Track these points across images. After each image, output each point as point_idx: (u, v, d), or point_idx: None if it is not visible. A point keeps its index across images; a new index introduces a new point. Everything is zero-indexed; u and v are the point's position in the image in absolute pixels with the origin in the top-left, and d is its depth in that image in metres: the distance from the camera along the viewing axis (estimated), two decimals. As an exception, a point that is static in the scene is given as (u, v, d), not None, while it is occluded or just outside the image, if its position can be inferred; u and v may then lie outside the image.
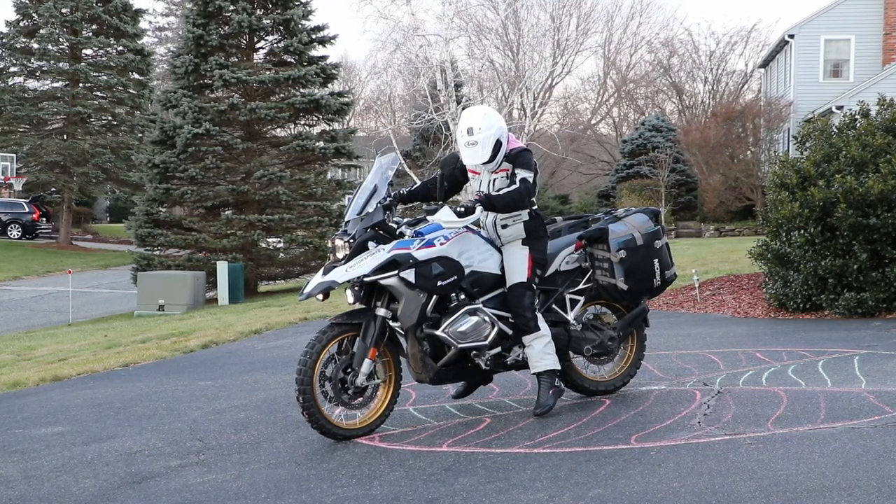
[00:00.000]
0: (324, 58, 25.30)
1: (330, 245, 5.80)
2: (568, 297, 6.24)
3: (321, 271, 5.69)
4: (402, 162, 29.10)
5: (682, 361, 7.84)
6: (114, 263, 35.87)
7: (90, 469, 5.49)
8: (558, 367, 6.00)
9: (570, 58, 44.24)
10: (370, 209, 5.72)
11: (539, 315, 5.95)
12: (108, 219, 56.56)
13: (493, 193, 5.84)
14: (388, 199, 5.83)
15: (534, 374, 6.01)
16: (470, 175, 6.12)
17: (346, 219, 5.79)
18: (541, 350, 5.92)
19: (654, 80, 48.14)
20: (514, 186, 5.81)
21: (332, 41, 25.49)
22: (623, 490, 4.44)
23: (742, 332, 9.63)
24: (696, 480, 4.50)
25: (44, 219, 43.35)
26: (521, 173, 5.83)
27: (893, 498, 4.12)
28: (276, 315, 14.14)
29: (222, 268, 20.95)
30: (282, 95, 24.60)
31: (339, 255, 5.70)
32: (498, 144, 5.82)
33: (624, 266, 6.11)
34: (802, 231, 10.39)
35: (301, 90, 24.62)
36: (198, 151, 23.34)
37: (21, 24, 40.69)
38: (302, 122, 25.35)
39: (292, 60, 24.87)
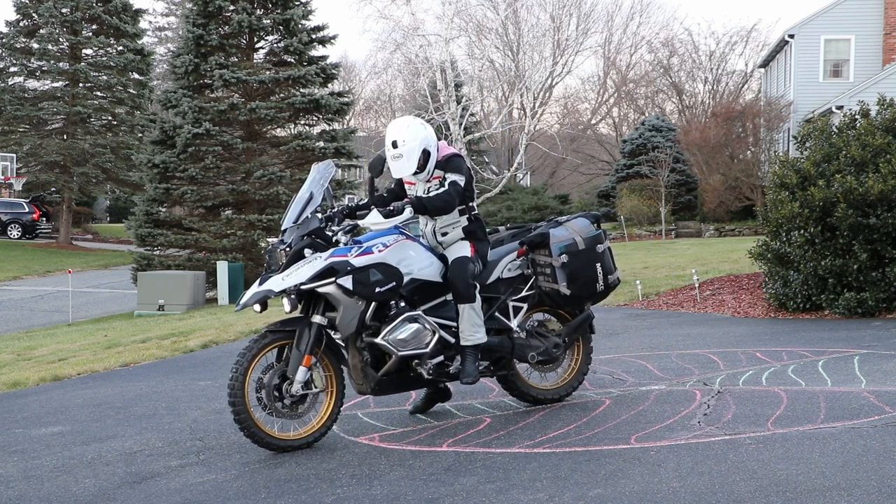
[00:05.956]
0: (324, 58, 25.30)
1: (266, 254, 5.73)
2: (511, 304, 6.18)
3: (257, 281, 5.60)
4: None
5: (682, 361, 7.84)
6: (114, 263, 35.87)
7: (90, 469, 5.49)
8: (485, 340, 5.92)
9: (570, 58, 44.34)
10: (307, 217, 5.65)
11: (476, 284, 5.87)
12: (108, 219, 56.55)
13: (424, 196, 5.83)
14: (330, 209, 5.78)
15: (462, 346, 5.89)
16: (407, 187, 6.11)
17: (282, 227, 5.71)
18: (473, 323, 5.83)
19: (654, 80, 48.16)
20: (443, 188, 5.82)
21: (332, 41, 25.50)
22: (623, 490, 4.44)
23: (742, 332, 9.63)
24: (696, 480, 4.50)
25: (44, 219, 43.33)
26: (452, 176, 5.84)
27: (893, 498, 4.12)
28: (276, 315, 14.11)
29: (222, 268, 20.96)
30: (282, 95, 24.61)
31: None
32: (426, 154, 5.85)
33: (566, 271, 6.06)
34: (802, 231, 10.39)
35: (301, 90, 24.63)
36: (198, 151, 23.35)
37: (21, 24, 40.67)
38: (302, 122, 25.36)
39: (292, 60, 24.88)
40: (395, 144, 5.81)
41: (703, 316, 11.19)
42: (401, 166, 5.83)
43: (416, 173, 5.90)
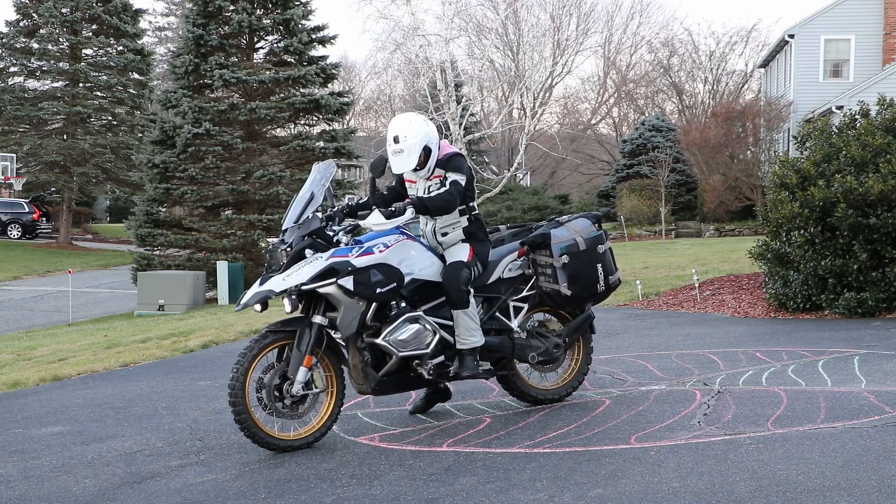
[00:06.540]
0: (324, 58, 25.31)
1: (266, 254, 5.73)
2: (511, 304, 6.18)
3: (258, 281, 5.59)
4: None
5: (682, 361, 7.84)
6: (114, 263, 35.87)
7: (90, 469, 5.49)
8: (482, 343, 5.93)
9: (570, 58, 44.35)
10: (308, 216, 5.65)
11: (470, 289, 5.87)
12: (108, 219, 56.55)
13: (425, 196, 5.83)
14: (330, 209, 5.78)
15: (458, 349, 5.89)
16: (408, 185, 6.11)
17: (283, 227, 5.71)
18: (469, 328, 5.84)
19: (654, 80, 48.16)
20: (444, 188, 5.82)
21: (332, 41, 25.50)
22: (623, 490, 4.44)
23: (742, 332, 9.63)
24: (696, 480, 4.50)
25: (44, 219, 43.33)
26: (453, 176, 5.84)
27: (893, 498, 4.12)
28: (276, 315, 14.11)
29: (222, 268, 20.96)
30: (282, 95, 24.61)
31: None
32: (427, 151, 5.85)
33: (567, 271, 6.05)
34: (802, 231, 10.39)
35: (301, 90, 24.64)
36: (198, 151, 23.35)
37: (21, 24, 40.66)
38: (302, 122, 25.37)
39: (292, 60, 24.88)
40: (396, 139, 5.82)
41: (703, 316, 11.19)
42: (401, 161, 5.83)
43: (416, 170, 5.90)
